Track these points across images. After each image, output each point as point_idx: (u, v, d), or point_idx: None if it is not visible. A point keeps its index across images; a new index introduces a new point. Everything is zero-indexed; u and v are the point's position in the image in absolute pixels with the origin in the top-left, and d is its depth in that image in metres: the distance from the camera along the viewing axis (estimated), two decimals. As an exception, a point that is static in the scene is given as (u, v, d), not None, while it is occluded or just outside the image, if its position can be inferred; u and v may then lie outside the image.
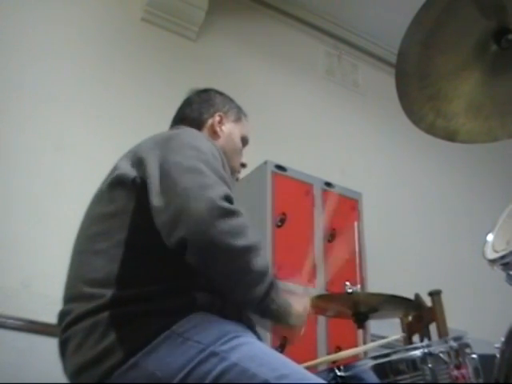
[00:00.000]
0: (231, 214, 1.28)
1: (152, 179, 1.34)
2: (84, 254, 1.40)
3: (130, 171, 1.40)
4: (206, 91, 1.82)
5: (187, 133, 1.54)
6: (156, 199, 1.31)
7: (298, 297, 1.44)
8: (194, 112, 1.75)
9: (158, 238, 1.32)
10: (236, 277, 1.30)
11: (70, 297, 1.38)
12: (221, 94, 1.82)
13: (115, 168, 1.47)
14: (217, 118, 1.73)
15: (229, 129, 1.74)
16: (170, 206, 1.29)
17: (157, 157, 1.39)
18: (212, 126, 1.72)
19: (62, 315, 1.36)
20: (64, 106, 3.24)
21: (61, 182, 3.07)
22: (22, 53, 3.23)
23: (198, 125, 1.70)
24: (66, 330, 1.33)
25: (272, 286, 1.33)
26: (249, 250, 1.29)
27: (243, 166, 1.79)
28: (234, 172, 1.72)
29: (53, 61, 3.30)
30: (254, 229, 1.34)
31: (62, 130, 3.20)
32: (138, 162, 1.41)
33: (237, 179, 1.79)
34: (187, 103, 1.79)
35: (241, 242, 1.27)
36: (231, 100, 1.82)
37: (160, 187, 1.33)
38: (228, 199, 1.30)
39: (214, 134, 1.71)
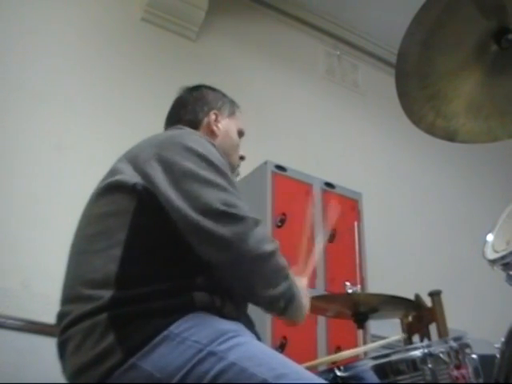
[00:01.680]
0: (256, 223, 1.34)
1: (162, 187, 1.34)
2: (82, 254, 1.40)
3: (132, 177, 1.38)
4: (197, 88, 1.80)
5: (191, 137, 1.51)
6: (173, 198, 1.33)
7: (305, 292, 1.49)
8: (188, 113, 1.73)
9: (158, 238, 1.32)
10: (265, 278, 1.35)
11: (69, 298, 1.37)
12: (212, 89, 1.81)
13: (115, 170, 1.44)
14: (212, 117, 1.72)
15: (225, 125, 1.73)
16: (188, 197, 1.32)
17: (159, 161, 1.38)
18: (208, 125, 1.71)
19: (61, 316, 1.36)
20: (64, 106, 3.24)
21: (61, 182, 3.07)
22: (21, 52, 3.23)
23: (195, 125, 1.68)
24: (64, 331, 1.32)
25: (293, 278, 1.40)
26: (274, 254, 1.36)
27: (242, 158, 1.79)
28: (234, 167, 1.72)
29: (53, 61, 3.31)
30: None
31: (62, 129, 3.20)
32: (141, 168, 1.39)
33: (237, 174, 1.80)
34: (180, 104, 1.77)
35: (267, 247, 1.35)
36: (223, 95, 1.81)
37: (173, 191, 1.33)
38: (247, 210, 1.35)
39: (212, 133, 1.70)
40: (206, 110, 1.73)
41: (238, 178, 1.82)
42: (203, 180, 1.35)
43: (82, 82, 3.36)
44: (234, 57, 4.05)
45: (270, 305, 1.39)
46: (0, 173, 2.94)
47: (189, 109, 1.74)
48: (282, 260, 1.39)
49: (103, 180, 1.47)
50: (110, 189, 1.41)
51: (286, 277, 1.38)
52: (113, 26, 3.63)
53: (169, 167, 1.37)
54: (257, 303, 1.40)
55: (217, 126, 1.72)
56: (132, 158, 1.44)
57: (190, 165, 1.37)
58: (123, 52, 3.59)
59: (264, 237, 1.35)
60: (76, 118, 3.26)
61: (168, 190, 1.34)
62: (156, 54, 3.71)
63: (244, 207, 1.35)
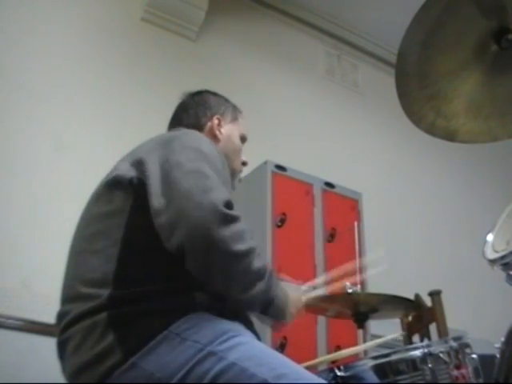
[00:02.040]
0: (232, 219, 1.28)
1: (152, 180, 1.34)
2: (81, 254, 1.40)
3: (128, 171, 1.39)
4: (199, 93, 1.80)
5: (189, 134, 1.53)
6: (156, 199, 1.31)
7: (293, 293, 1.47)
8: (190, 117, 1.73)
9: (155, 238, 1.32)
10: (235, 279, 1.31)
11: (68, 297, 1.37)
12: (215, 94, 1.81)
13: (114, 169, 1.46)
14: (215, 122, 1.72)
15: (228, 130, 1.73)
16: (170, 207, 1.29)
17: (157, 157, 1.38)
18: (211, 129, 1.71)
19: (61, 316, 1.36)
20: (64, 106, 3.24)
21: (61, 182, 3.07)
22: (21, 53, 3.23)
23: (197, 130, 1.67)
24: (64, 330, 1.33)
25: (271, 280, 1.36)
26: (247, 255, 1.30)
27: (244, 164, 1.79)
28: (235, 173, 1.72)
29: (52, 61, 3.30)
30: (251, 232, 1.35)
31: (62, 130, 3.20)
32: (137, 163, 1.40)
33: (239, 180, 1.79)
34: (182, 108, 1.77)
35: (240, 247, 1.28)
36: (226, 100, 1.81)
37: (161, 187, 1.32)
38: (229, 205, 1.30)
39: (214, 138, 1.69)
40: (209, 115, 1.73)
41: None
42: (187, 170, 1.33)
43: (82, 82, 3.36)
44: (234, 57, 4.05)
45: (246, 308, 1.37)
46: (0, 173, 2.94)
47: (191, 113, 1.74)
48: (258, 261, 1.32)
49: (102, 180, 1.47)
50: (108, 187, 1.42)
51: (261, 278, 1.33)
52: (113, 26, 3.63)
53: (163, 163, 1.37)
54: (236, 305, 1.36)
55: (219, 131, 1.72)
56: (132, 158, 1.45)
57: (181, 158, 1.37)
58: (123, 52, 3.58)
59: (238, 235, 1.28)
60: (76, 118, 3.25)
61: (157, 182, 1.33)
62: (156, 54, 3.71)
63: (223, 199, 1.29)
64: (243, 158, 1.77)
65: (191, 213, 1.25)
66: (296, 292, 1.50)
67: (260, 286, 1.32)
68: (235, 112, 1.79)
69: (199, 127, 1.70)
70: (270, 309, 1.37)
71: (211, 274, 1.29)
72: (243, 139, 1.78)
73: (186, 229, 1.25)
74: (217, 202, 1.27)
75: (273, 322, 1.45)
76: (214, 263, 1.27)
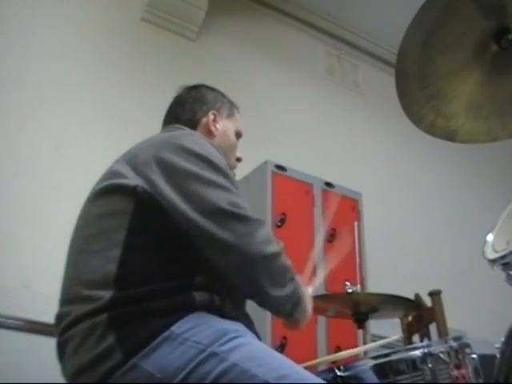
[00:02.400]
0: (262, 223, 1.36)
1: (166, 192, 1.34)
2: (80, 254, 1.39)
3: (132, 179, 1.37)
4: (196, 88, 1.79)
5: (190, 138, 1.50)
6: (176, 201, 1.33)
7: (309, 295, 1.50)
8: (186, 112, 1.72)
9: (156, 239, 1.32)
10: (269, 279, 1.35)
11: (68, 299, 1.37)
12: (212, 89, 1.80)
13: (113, 173, 1.43)
14: (211, 117, 1.71)
15: (223, 126, 1.73)
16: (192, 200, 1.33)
17: (159, 164, 1.37)
18: (206, 124, 1.70)
19: (60, 317, 1.35)
20: (64, 106, 3.24)
21: (60, 182, 3.07)
22: (21, 53, 3.23)
23: (193, 125, 1.67)
24: (64, 332, 1.32)
25: (298, 280, 1.41)
26: (280, 254, 1.37)
27: (238, 160, 1.78)
28: (231, 168, 1.71)
29: (52, 61, 3.31)
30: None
31: (62, 130, 3.20)
32: (141, 170, 1.38)
33: (234, 175, 1.79)
34: (179, 102, 1.76)
35: (275, 247, 1.36)
36: (223, 95, 1.80)
37: (175, 194, 1.34)
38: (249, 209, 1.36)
39: (209, 133, 1.69)
40: (205, 110, 1.72)
41: (237, 179, 1.82)
42: (206, 181, 1.35)
43: (81, 82, 3.36)
44: (234, 57, 4.05)
45: (277, 306, 1.39)
46: (0, 173, 2.94)
47: (187, 108, 1.73)
48: (287, 261, 1.39)
49: (100, 181, 1.46)
50: (107, 191, 1.41)
51: (292, 278, 1.39)
52: (113, 26, 3.63)
53: (170, 170, 1.37)
54: (264, 304, 1.40)
55: (215, 126, 1.71)
56: (131, 160, 1.43)
57: (191, 166, 1.37)
58: (123, 52, 3.59)
59: (268, 238, 1.36)
60: (76, 119, 3.25)
61: (171, 194, 1.33)
62: (156, 53, 3.71)
63: (248, 208, 1.36)
64: (238, 155, 1.77)
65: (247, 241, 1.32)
66: (310, 297, 1.53)
67: (292, 285, 1.38)
68: (232, 108, 1.79)
69: (195, 122, 1.69)
70: (296, 309, 1.40)
71: (258, 282, 1.34)
72: (238, 135, 1.78)
73: (241, 256, 1.32)
74: (248, 213, 1.35)
75: (292, 325, 1.46)
76: (257, 271, 1.34)
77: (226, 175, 1.40)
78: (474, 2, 1.46)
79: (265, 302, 1.39)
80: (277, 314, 1.44)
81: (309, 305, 1.46)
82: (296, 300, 1.39)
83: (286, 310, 1.39)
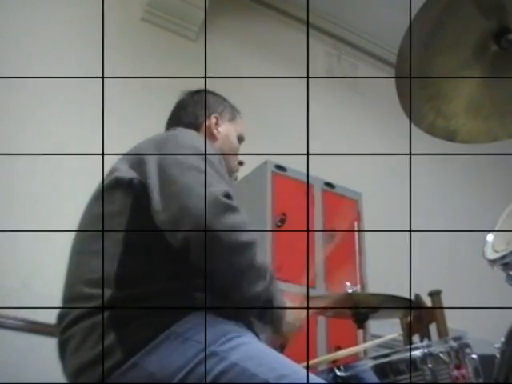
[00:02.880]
0: (233, 209, 1.29)
1: (151, 179, 1.35)
2: (82, 254, 1.40)
3: (128, 173, 1.40)
4: (198, 92, 1.81)
5: (185, 133, 1.54)
6: (156, 198, 1.32)
7: (293, 300, 1.47)
8: (189, 115, 1.74)
9: (156, 237, 1.32)
10: (239, 271, 1.31)
11: (69, 298, 1.38)
12: (214, 93, 1.82)
13: (113, 170, 1.46)
14: (213, 120, 1.73)
15: (225, 129, 1.74)
16: (171, 204, 1.30)
17: (155, 157, 1.39)
18: (209, 128, 1.72)
19: (61, 316, 1.36)
20: (64, 106, 3.24)
21: (61, 182, 3.07)
22: (21, 52, 3.23)
23: (195, 128, 1.68)
24: (64, 331, 1.33)
25: (272, 283, 1.35)
26: (252, 246, 1.31)
27: (241, 164, 1.79)
28: (232, 172, 1.72)
29: (53, 61, 3.30)
30: (253, 228, 1.36)
31: (62, 130, 3.20)
32: (137, 164, 1.41)
33: (235, 179, 1.80)
34: (181, 106, 1.78)
35: (244, 237, 1.29)
36: (224, 99, 1.82)
37: (160, 186, 1.33)
38: (229, 196, 1.31)
39: (211, 136, 1.70)
40: (207, 114, 1.73)
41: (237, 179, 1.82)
42: (186, 166, 1.35)
43: (81, 82, 3.35)
44: (234, 57, 4.05)
45: (248, 306, 1.35)
46: (0, 173, 2.94)
47: (189, 111, 1.75)
48: (261, 256, 1.33)
49: (102, 180, 1.47)
50: (107, 188, 1.42)
51: (265, 275, 1.33)
52: (113, 26, 3.63)
53: (161, 162, 1.38)
54: (237, 304, 1.35)
55: (217, 130, 1.72)
56: (129, 157, 1.45)
57: (178, 156, 1.38)
58: (123, 52, 3.58)
59: (239, 225, 1.29)
60: (76, 118, 3.25)
61: (155, 185, 1.34)
62: (156, 54, 3.71)
63: (222, 190, 1.30)
64: (240, 158, 1.78)
65: (193, 206, 1.26)
66: (297, 302, 1.50)
67: (263, 284, 1.32)
68: (233, 112, 1.80)
69: (197, 125, 1.71)
70: (268, 312, 1.36)
71: (216, 267, 1.29)
72: (240, 139, 1.79)
73: (190, 222, 1.26)
74: (217, 194, 1.28)
75: (272, 333, 1.44)
76: (219, 253, 1.27)
77: (210, 163, 1.37)
78: (473, 2, 1.46)
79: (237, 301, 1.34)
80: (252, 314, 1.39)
81: (287, 312, 1.41)
82: (267, 300, 1.34)
83: (256, 312, 1.35)
